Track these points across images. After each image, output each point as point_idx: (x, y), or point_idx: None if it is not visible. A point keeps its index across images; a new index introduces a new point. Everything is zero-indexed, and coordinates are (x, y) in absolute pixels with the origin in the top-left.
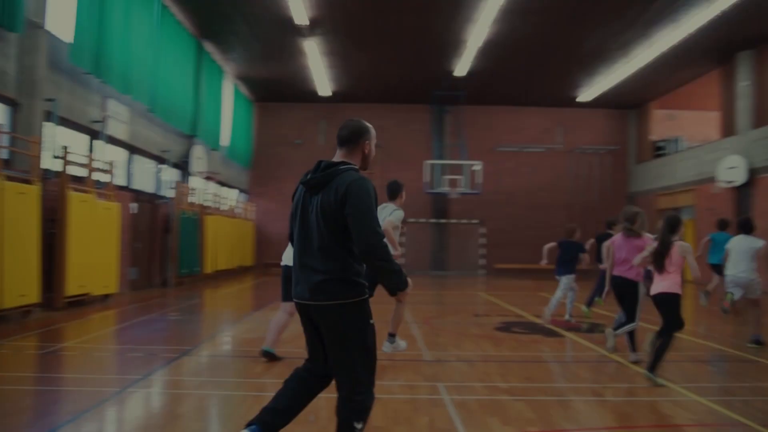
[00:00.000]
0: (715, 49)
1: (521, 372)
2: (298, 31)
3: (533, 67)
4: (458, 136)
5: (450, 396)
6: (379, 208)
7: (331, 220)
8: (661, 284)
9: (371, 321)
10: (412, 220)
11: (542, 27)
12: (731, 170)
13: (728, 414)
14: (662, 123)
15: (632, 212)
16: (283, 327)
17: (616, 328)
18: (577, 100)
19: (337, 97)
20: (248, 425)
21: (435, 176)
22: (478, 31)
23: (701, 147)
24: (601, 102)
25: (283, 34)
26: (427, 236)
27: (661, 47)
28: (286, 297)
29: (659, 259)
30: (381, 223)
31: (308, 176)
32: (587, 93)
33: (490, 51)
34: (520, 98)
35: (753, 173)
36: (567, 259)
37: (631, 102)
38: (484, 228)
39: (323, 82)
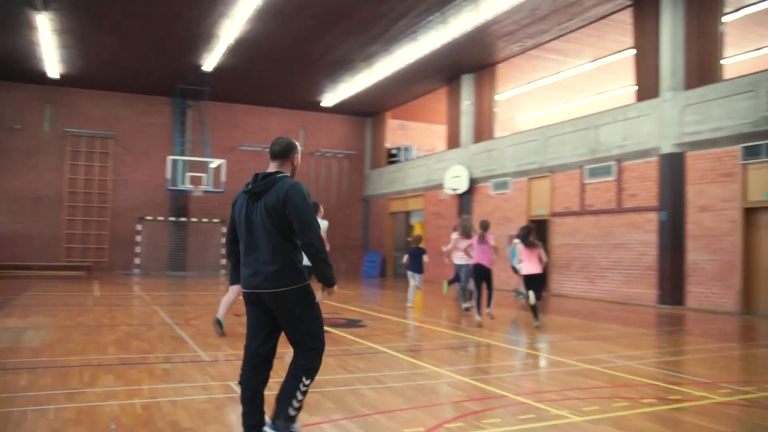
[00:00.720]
0: (445, 69)
1: None
2: (30, 2)
3: (281, 69)
4: (201, 132)
5: None
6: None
7: (276, 220)
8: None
9: (316, 300)
10: (149, 218)
11: (293, 30)
12: (455, 179)
13: (490, 389)
14: (395, 132)
15: (485, 223)
16: (232, 303)
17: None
18: (321, 104)
19: (67, 81)
20: None
21: (176, 173)
22: (232, 28)
23: (430, 156)
24: (342, 108)
25: (11, 3)
26: (165, 235)
27: (400, 62)
28: (234, 281)
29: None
30: None
31: (249, 187)
32: (330, 98)
33: (240, 49)
34: (266, 98)
35: (473, 182)
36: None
37: (369, 110)
38: (225, 227)
39: (53, 63)
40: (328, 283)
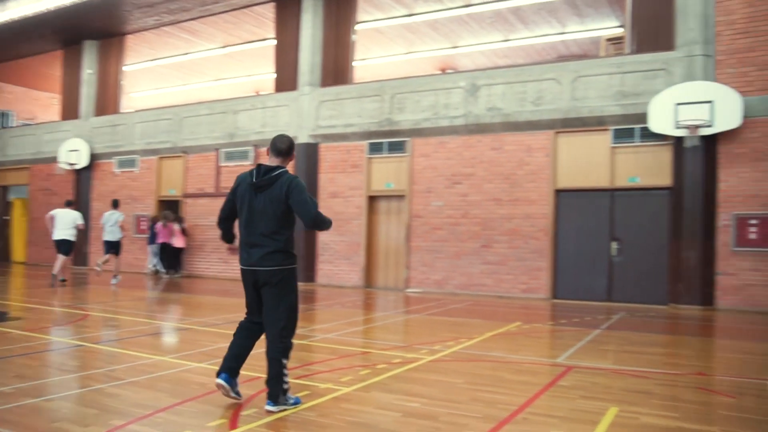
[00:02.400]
0: (64, 31)
1: None
2: None
3: None
4: None
5: None
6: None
7: (279, 209)
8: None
9: (297, 284)
10: None
11: None
12: (73, 153)
13: (244, 372)
14: None
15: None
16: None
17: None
18: None
19: None
20: (218, 375)
21: None
22: None
23: (40, 126)
24: None
25: None
26: None
27: (12, 14)
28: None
29: None
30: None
31: (254, 179)
32: None
33: None
34: None
35: (94, 158)
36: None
37: None
38: None
39: None
40: (327, 225)
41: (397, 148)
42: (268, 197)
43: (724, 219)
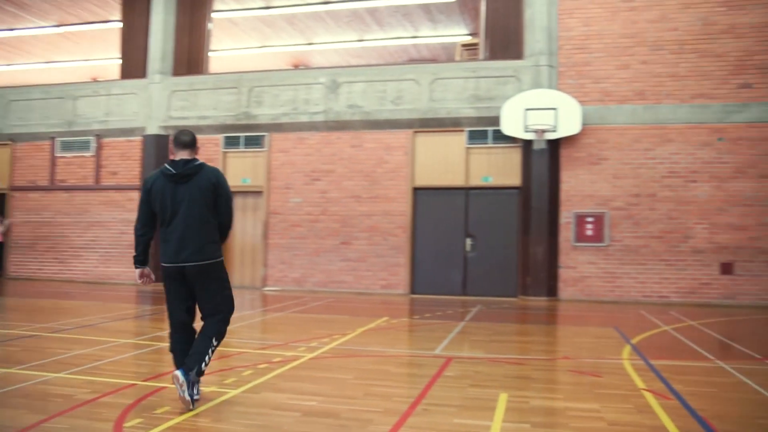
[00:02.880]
0: None
1: None
2: None
3: None
4: None
5: None
6: None
7: (207, 199)
8: None
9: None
10: None
11: None
12: None
13: (118, 381)
14: None
15: None
16: None
17: None
18: None
19: None
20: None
21: None
22: None
23: None
24: None
25: None
26: None
27: None
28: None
29: None
30: None
31: (173, 171)
32: None
33: None
34: None
35: None
36: None
37: None
38: None
39: None
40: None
41: (254, 142)
42: (195, 187)
43: (566, 217)
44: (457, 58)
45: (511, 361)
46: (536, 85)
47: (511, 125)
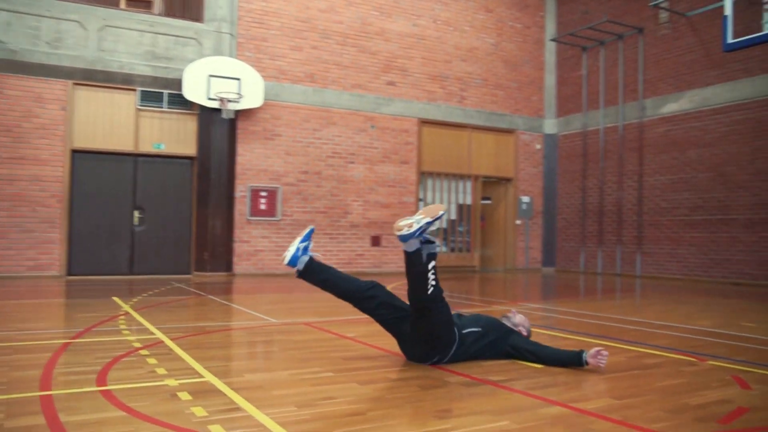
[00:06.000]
0: None
1: None
2: None
3: None
4: None
5: None
6: None
7: None
8: None
9: None
10: None
11: None
12: None
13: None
14: None
15: None
16: None
17: None
18: None
19: None
20: None
21: None
22: None
23: None
24: None
25: None
26: None
27: None
28: None
29: None
30: None
31: None
32: None
33: None
34: None
35: None
36: None
37: None
38: None
39: None
40: None
41: None
42: None
43: (241, 191)
44: (123, 6)
45: (210, 331)
46: (217, 52)
47: (194, 90)
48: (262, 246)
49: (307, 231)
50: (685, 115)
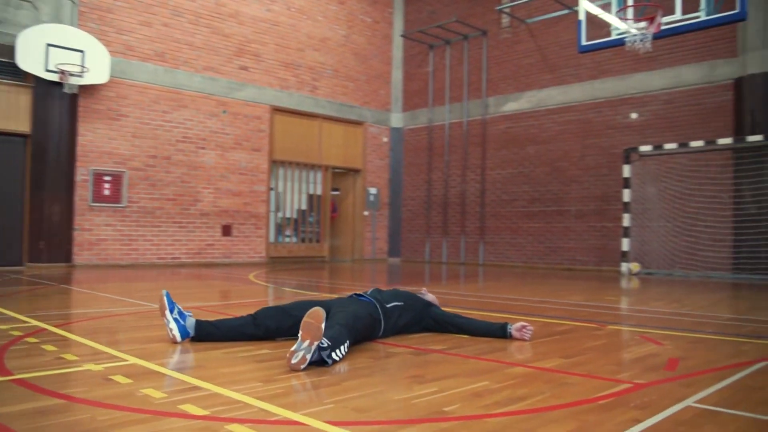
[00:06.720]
0: None
1: None
2: None
3: None
4: None
5: None
6: None
7: None
8: None
9: None
10: None
11: None
12: None
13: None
14: None
15: None
16: None
17: None
18: None
19: None
20: None
21: None
22: None
23: None
24: None
25: None
26: None
27: None
28: None
29: None
30: None
31: None
32: None
33: None
34: None
35: None
36: None
37: None
38: None
39: None
40: None
41: None
42: None
43: (83, 174)
44: None
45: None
46: (57, 19)
47: (29, 60)
48: (106, 235)
49: (165, 299)
50: (523, 113)
